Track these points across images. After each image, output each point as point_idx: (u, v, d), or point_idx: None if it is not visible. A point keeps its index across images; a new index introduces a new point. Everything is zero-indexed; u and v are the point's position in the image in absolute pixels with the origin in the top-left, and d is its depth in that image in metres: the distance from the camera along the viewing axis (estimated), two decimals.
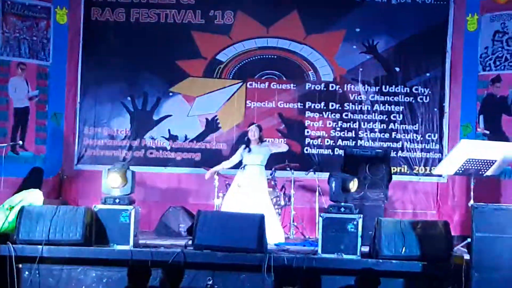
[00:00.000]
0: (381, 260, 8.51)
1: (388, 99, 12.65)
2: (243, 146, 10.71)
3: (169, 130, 12.89)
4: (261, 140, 10.68)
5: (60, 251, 8.73)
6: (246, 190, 10.40)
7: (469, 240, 8.25)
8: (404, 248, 8.50)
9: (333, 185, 8.96)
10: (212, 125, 12.87)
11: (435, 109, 12.58)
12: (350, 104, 12.71)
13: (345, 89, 12.75)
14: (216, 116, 12.87)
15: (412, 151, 12.52)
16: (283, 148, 10.96)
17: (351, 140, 12.64)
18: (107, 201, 9.16)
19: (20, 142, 12.01)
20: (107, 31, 13.04)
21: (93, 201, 9.74)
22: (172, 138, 12.88)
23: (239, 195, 10.41)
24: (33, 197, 9.67)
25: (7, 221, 9.18)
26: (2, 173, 10.35)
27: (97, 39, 13.01)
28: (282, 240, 10.24)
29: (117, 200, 9.14)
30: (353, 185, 8.99)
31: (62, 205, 10.22)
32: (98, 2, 13.02)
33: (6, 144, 11.47)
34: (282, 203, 11.34)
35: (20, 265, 8.68)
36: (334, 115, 12.72)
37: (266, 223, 8.98)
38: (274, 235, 10.05)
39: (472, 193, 9.04)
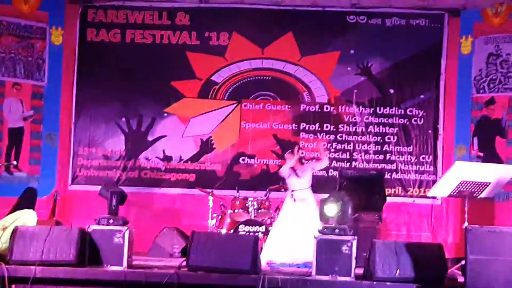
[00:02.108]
0: (375, 282, 8.47)
1: (383, 121, 12.69)
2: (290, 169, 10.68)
3: (163, 151, 12.90)
4: (301, 162, 10.72)
5: (54, 272, 8.67)
6: (300, 214, 10.41)
7: (463, 262, 8.25)
8: (398, 270, 8.47)
9: (349, 208, 8.98)
10: (206, 146, 12.89)
11: (429, 131, 12.62)
12: (345, 125, 12.75)
13: (340, 110, 12.80)
14: (210, 137, 12.89)
15: (406, 173, 12.56)
16: (325, 162, 10.95)
17: (345, 161, 12.67)
18: (101, 222, 9.13)
19: (15, 162, 12.00)
20: (102, 51, 13.07)
21: (87, 221, 9.71)
22: (167, 158, 12.88)
23: (293, 218, 10.42)
24: (27, 217, 9.64)
25: (0, 241, 9.14)
26: None
27: (92, 60, 13.03)
28: None
29: (111, 221, 9.11)
30: (331, 210, 8.95)
31: (56, 225, 10.23)
32: (93, 22, 13.06)
33: (0, 164, 11.46)
34: None
35: (14, 286, 8.61)
36: (329, 137, 12.75)
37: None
38: None
39: (466, 215, 9.03)
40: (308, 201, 10.56)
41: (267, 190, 11.52)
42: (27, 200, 11.85)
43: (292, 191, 10.60)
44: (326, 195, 9.35)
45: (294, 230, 10.22)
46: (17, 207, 10.94)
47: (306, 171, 10.65)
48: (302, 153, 12.52)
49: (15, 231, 8.92)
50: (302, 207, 10.46)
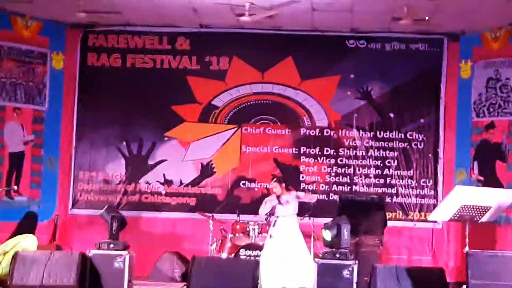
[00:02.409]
0: None
1: (383, 145, 12.69)
2: (271, 198, 10.72)
3: (164, 175, 12.89)
4: (287, 190, 10.71)
5: None
6: (281, 241, 10.40)
7: (464, 287, 8.23)
8: None
9: (345, 233, 8.93)
10: (207, 170, 12.88)
11: (430, 155, 12.62)
12: (345, 149, 12.75)
13: (340, 134, 12.80)
14: (211, 161, 12.89)
15: (407, 197, 12.54)
16: (313, 199, 10.93)
17: (346, 185, 12.66)
18: (101, 246, 9.12)
19: (15, 187, 11.99)
20: (103, 76, 13.11)
21: (87, 246, 9.70)
22: (167, 182, 12.87)
23: (275, 247, 10.39)
24: (28, 242, 9.66)
25: (1, 266, 9.14)
26: None
27: (93, 84, 13.07)
28: None
29: (111, 245, 9.11)
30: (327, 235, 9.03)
31: (56, 249, 10.23)
32: (94, 47, 13.10)
33: (0, 189, 11.46)
34: None
35: None
36: (329, 161, 12.74)
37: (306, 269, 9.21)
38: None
39: (467, 239, 9.01)
40: (292, 227, 10.53)
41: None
42: (27, 224, 11.83)
43: (277, 217, 10.60)
44: (326, 219, 9.37)
45: (281, 256, 10.21)
46: (17, 232, 10.93)
47: (290, 201, 10.62)
48: (303, 177, 12.62)
49: (15, 256, 8.93)
50: (286, 233, 10.45)
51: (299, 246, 10.40)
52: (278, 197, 10.62)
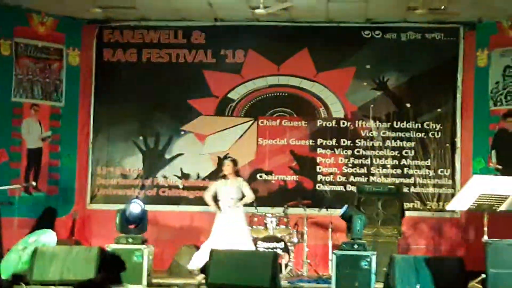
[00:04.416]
0: None
1: (400, 135, 12.65)
2: (216, 183, 11.05)
3: (181, 169, 12.93)
4: (236, 175, 10.90)
5: None
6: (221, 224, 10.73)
7: (483, 276, 8.21)
8: (418, 284, 8.45)
9: (358, 223, 8.91)
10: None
11: (447, 145, 12.57)
12: (362, 140, 12.72)
13: (357, 125, 12.78)
14: (228, 153, 12.88)
15: (424, 187, 12.50)
16: (250, 197, 10.98)
17: (363, 176, 12.63)
18: (120, 241, 9.16)
19: (34, 183, 12.04)
20: (119, 71, 13.15)
21: (106, 240, 9.74)
22: (185, 176, 12.91)
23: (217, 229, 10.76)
24: (47, 238, 9.70)
25: (21, 261, 9.20)
26: (15, 213, 10.37)
27: (109, 80, 13.12)
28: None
29: (130, 240, 9.14)
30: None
31: (75, 245, 10.28)
32: (110, 42, 13.14)
33: (19, 185, 11.54)
34: (295, 240, 11.32)
35: None
36: (346, 152, 12.72)
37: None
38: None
39: (485, 228, 8.98)
40: (235, 217, 10.78)
41: (285, 206, 11.52)
42: (46, 220, 11.89)
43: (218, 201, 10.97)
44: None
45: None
46: (36, 227, 10.98)
47: (233, 186, 10.85)
48: (320, 168, 12.59)
49: (35, 252, 8.99)
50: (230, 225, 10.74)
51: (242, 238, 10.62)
52: (224, 176, 10.84)
